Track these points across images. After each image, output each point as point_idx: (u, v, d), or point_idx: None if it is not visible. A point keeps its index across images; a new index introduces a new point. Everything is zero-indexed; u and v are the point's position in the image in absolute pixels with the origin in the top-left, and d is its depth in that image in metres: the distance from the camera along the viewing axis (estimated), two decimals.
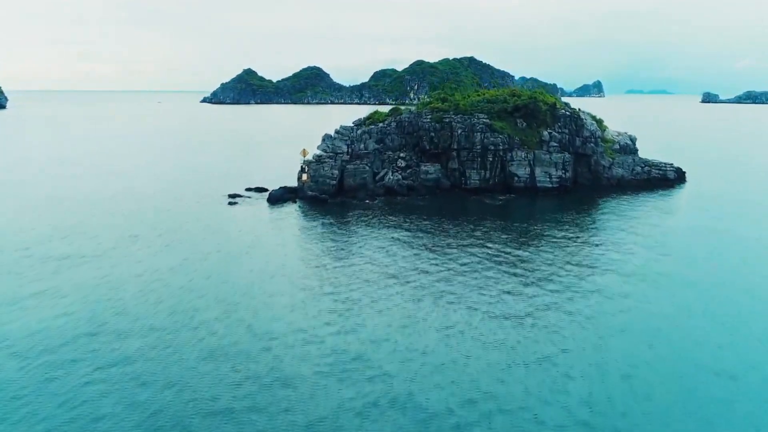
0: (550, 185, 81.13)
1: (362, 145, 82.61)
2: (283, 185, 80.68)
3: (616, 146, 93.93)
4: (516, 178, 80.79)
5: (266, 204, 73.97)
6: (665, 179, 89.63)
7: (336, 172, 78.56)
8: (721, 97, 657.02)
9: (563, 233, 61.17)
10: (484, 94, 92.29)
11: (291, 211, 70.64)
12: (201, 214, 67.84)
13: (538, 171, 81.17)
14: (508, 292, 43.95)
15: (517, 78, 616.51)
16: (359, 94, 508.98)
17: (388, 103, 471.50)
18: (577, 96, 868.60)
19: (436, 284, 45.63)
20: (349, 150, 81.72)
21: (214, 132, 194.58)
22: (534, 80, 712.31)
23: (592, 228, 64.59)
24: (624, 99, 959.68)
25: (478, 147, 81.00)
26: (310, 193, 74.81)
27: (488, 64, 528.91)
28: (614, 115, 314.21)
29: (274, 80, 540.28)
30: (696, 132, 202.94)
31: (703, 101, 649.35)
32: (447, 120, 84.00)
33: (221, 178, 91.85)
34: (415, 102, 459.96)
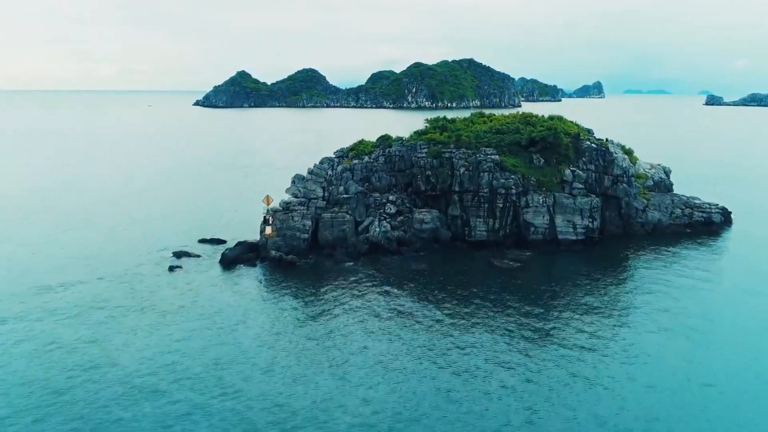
0: (575, 237, 65.61)
1: (342, 188, 67.01)
2: (245, 238, 65.03)
3: (650, 182, 78.57)
4: (532, 229, 65.28)
5: (217, 267, 58.37)
6: (709, 223, 74.26)
7: (308, 222, 63.06)
8: (725, 99, 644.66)
9: (591, 311, 45.95)
10: (491, 120, 76.66)
11: (247, 280, 54.93)
12: (126, 289, 52.09)
13: (559, 220, 65.68)
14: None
15: (517, 79, 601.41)
16: (356, 97, 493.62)
17: (385, 107, 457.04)
18: (577, 96, 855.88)
19: (439, 387, 35.55)
20: (326, 194, 66.23)
21: (193, 145, 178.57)
22: (534, 81, 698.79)
23: (629, 300, 50.06)
24: (624, 99, 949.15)
25: (485, 190, 65.51)
26: (273, 253, 59.21)
27: (488, 66, 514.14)
28: (618, 120, 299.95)
29: (269, 82, 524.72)
30: (717, 145, 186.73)
31: (707, 104, 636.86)
32: (447, 155, 68.51)
33: (174, 223, 75.58)
34: (413, 106, 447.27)
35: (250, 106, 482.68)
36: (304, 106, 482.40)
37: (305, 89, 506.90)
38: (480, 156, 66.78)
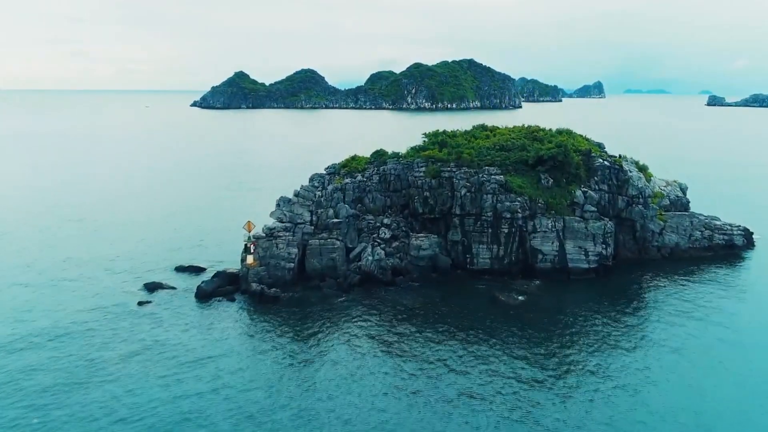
0: (587, 266, 59.83)
1: (331, 211, 61.23)
2: (228, 262, 59.97)
3: (665, 201, 72.85)
4: (540, 257, 59.55)
5: (192, 302, 52.60)
6: (731, 245, 68.59)
7: (294, 250, 57.29)
8: (727, 99, 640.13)
9: (606, 362, 40.23)
10: (494, 135, 70.90)
11: (222, 320, 49.04)
12: (86, 330, 46.38)
13: (569, 246, 59.92)
14: None
15: (517, 79, 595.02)
16: (355, 98, 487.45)
17: (384, 108, 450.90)
18: (577, 96, 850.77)
19: None
20: (314, 218, 60.50)
21: (187, 150, 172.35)
22: (534, 81, 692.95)
23: (647, 345, 44.62)
24: (625, 99, 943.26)
25: (489, 213, 59.77)
26: (255, 286, 53.44)
27: (488, 67, 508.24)
28: (620, 121, 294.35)
29: (268, 83, 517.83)
30: (730, 152, 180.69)
31: (709, 104, 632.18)
32: (446, 174, 62.80)
33: (149, 250, 68.39)
34: (412, 107, 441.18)
35: (248, 107, 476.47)
36: (302, 108, 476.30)
37: (304, 90, 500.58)
38: (483, 176, 61.04)
